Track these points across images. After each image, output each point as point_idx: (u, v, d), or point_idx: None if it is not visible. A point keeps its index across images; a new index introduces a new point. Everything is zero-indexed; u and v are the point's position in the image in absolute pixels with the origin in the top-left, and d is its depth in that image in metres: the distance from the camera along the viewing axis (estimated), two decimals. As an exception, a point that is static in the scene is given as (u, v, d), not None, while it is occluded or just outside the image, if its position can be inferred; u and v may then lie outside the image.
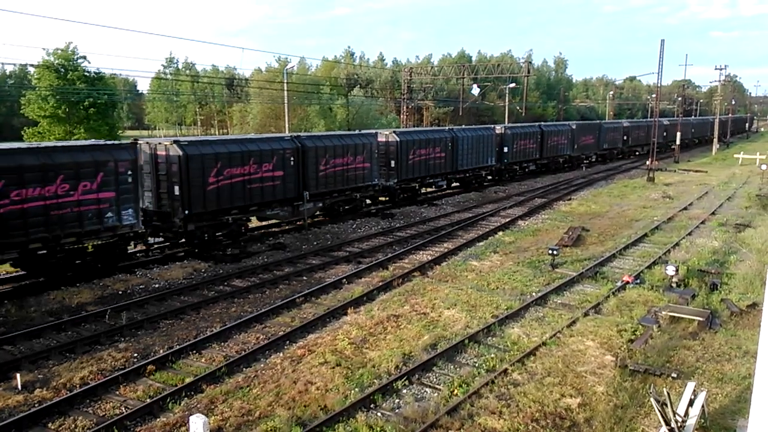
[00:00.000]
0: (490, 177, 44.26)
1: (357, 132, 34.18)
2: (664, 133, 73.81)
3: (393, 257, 22.35)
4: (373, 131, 34.15)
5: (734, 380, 12.48)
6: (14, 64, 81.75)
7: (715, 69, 74.64)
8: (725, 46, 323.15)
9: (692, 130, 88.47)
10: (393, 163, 33.12)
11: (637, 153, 71.59)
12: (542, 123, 57.10)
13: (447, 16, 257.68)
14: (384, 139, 33.12)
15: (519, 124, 51.54)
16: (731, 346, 14.19)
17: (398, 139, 33.25)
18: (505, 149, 44.53)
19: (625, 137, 67.76)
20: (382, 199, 34.37)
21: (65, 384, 12.34)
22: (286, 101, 49.53)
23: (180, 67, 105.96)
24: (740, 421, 10.45)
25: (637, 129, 71.55)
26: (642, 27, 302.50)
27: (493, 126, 45.74)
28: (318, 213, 29.30)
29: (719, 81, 77.90)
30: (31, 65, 52.33)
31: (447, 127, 43.76)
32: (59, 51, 50.73)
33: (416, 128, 49.91)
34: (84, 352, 13.96)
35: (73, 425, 10.84)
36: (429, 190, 38.63)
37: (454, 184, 41.26)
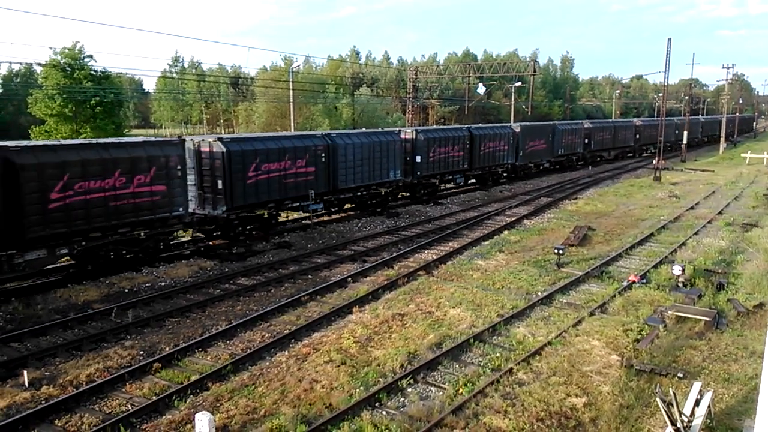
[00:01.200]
0: (505, 174, 45.41)
1: (383, 130, 36.28)
2: (676, 131, 73.71)
3: (398, 256, 22.35)
4: (397, 129, 36.78)
5: (741, 380, 12.43)
6: (20, 63, 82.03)
7: (723, 68, 74.57)
8: (733, 44, 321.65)
9: (700, 129, 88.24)
10: (418, 158, 34.33)
11: (650, 151, 71.82)
12: (556, 122, 57.90)
13: (451, 16, 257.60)
14: (407, 137, 34.28)
15: (532, 123, 52.29)
16: (738, 347, 14.13)
17: (420, 137, 34.50)
18: (523, 148, 45.41)
19: (637, 136, 68.27)
20: (404, 194, 35.68)
21: (72, 381, 12.41)
22: (291, 100, 49.57)
23: (186, 66, 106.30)
24: (746, 421, 10.41)
25: (649, 128, 71.41)
26: (649, 26, 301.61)
27: (509, 124, 46.79)
28: (348, 206, 31.79)
29: (726, 80, 77.67)
30: (39, 64, 52.57)
31: (465, 126, 44.70)
32: (66, 50, 50.96)
33: (436, 127, 50.29)
34: (90, 350, 14.02)
35: (79, 422, 10.90)
36: (442, 187, 39.32)
37: (471, 181, 42.43)
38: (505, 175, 45.17)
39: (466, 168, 39.11)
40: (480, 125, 46.94)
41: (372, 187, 31.15)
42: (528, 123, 50.93)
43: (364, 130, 43.87)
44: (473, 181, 42.37)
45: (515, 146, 44.37)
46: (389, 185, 32.56)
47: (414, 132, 34.63)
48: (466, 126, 43.10)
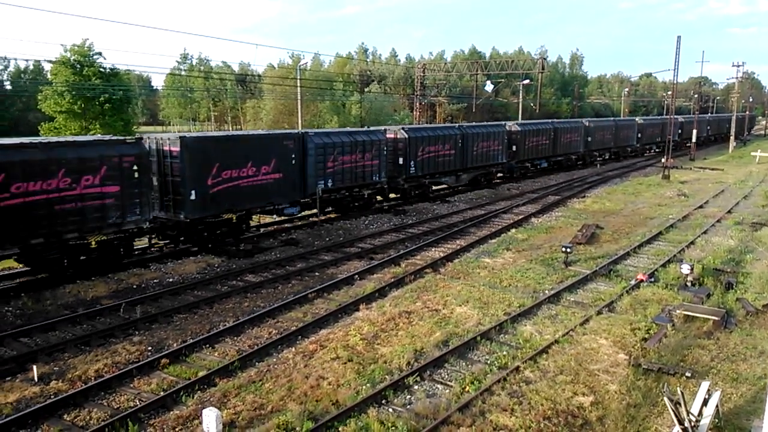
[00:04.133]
0: (546, 166, 47.72)
1: (448, 125, 41.23)
2: (680, 131, 73.19)
3: (405, 254, 22.35)
4: (456, 125, 40.35)
5: (749, 380, 12.36)
6: (28, 60, 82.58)
7: (732, 66, 74.04)
8: (743, 42, 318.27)
9: (708, 127, 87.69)
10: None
11: (653, 150, 71.36)
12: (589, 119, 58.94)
13: (458, 14, 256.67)
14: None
15: (532, 122, 52.18)
16: (746, 346, 14.05)
17: (464, 132, 37.66)
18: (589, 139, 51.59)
19: (639, 134, 67.48)
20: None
21: (80, 376, 12.49)
22: (299, 97, 49.65)
23: (194, 63, 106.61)
24: (755, 421, 10.35)
25: (651, 127, 70.98)
26: (658, 23, 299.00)
27: (551, 120, 48.70)
28: (414, 193, 35.00)
29: (736, 78, 77.00)
30: (49, 61, 52.81)
31: (503, 122, 46.60)
32: (76, 47, 51.20)
33: (476, 123, 50.67)
34: (99, 345, 14.10)
35: (87, 417, 10.97)
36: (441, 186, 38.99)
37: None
38: (545, 167, 48.20)
39: (504, 162, 42.03)
40: (524, 121, 49.43)
41: (435, 175, 35.18)
42: (527, 122, 51.29)
43: (432, 125, 46.06)
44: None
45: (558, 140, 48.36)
46: (450, 174, 36.58)
47: (460, 127, 37.61)
48: (504, 123, 45.40)
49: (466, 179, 39.30)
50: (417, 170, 33.99)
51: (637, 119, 70.81)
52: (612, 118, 77.40)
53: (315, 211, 27.68)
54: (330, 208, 29.70)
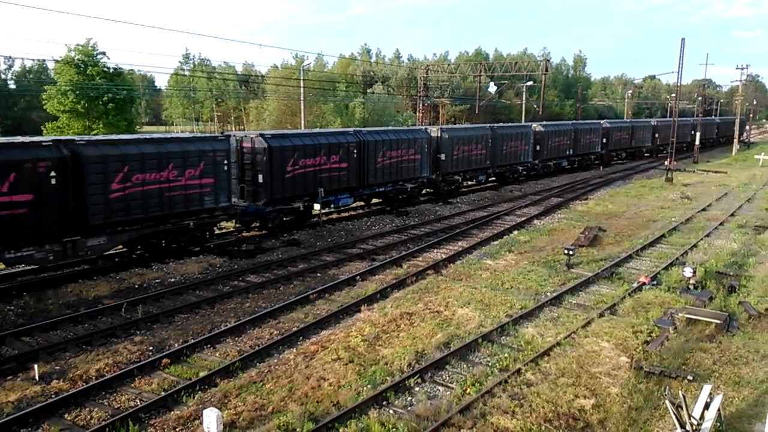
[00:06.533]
0: (568, 166, 49.11)
1: (478, 125, 43.40)
2: (692, 132, 72.89)
3: (407, 255, 22.34)
4: (486, 125, 42.46)
5: (752, 384, 12.32)
6: (33, 60, 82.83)
7: (737, 68, 73.66)
8: (747, 45, 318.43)
9: (716, 130, 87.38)
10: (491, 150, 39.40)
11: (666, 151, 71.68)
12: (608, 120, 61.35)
13: (464, 15, 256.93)
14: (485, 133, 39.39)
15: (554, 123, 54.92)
16: (749, 350, 14.00)
17: (494, 132, 39.43)
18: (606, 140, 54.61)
19: (655, 135, 68.80)
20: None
21: (81, 376, 12.50)
22: (302, 98, 49.67)
23: (196, 63, 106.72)
24: (757, 425, 10.33)
25: (665, 128, 70.80)
26: (662, 26, 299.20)
27: (570, 122, 50.54)
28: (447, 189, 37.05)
29: (740, 80, 76.79)
30: (55, 60, 52.92)
31: (531, 123, 49.14)
32: (80, 47, 51.34)
33: (507, 124, 52.78)
34: (100, 345, 14.12)
35: (88, 416, 10.98)
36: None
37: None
38: (567, 167, 50.32)
39: (529, 161, 44.03)
40: (545, 123, 51.00)
41: (468, 172, 37.85)
42: (550, 123, 53.51)
43: (465, 125, 48.25)
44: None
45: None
46: (482, 171, 39.37)
47: (493, 129, 39.46)
48: (531, 123, 47.86)
49: (495, 176, 42.40)
50: (452, 167, 36.44)
51: (652, 121, 71.60)
52: (629, 120, 79.33)
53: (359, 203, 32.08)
54: (378, 200, 33.28)
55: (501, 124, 46.34)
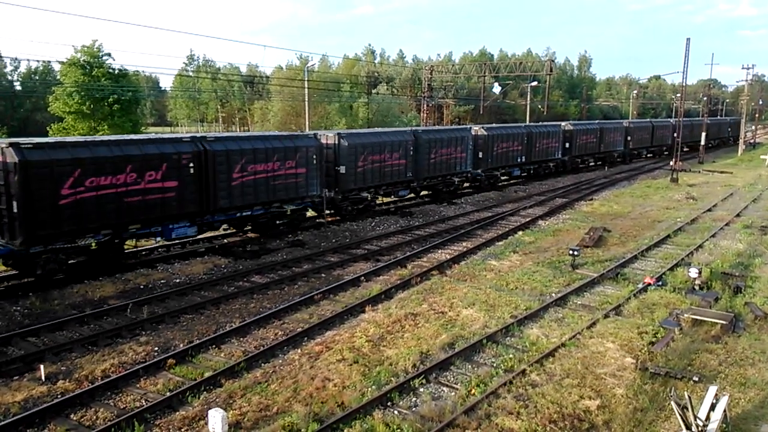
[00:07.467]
0: (518, 174, 49.64)
1: (516, 124, 47.91)
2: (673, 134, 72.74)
3: (411, 256, 22.34)
4: (523, 125, 46.24)
5: (758, 385, 12.26)
6: (39, 61, 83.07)
7: (742, 68, 73.26)
8: (753, 44, 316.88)
9: (729, 129, 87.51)
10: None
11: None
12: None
13: (469, 15, 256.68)
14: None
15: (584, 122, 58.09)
16: (755, 351, 13.95)
17: (530, 131, 42.37)
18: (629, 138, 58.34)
19: (675, 134, 68.64)
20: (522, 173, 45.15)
21: (87, 376, 12.54)
22: (306, 99, 49.72)
23: (200, 64, 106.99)
24: (764, 426, 10.29)
25: (685, 128, 70.83)
26: (667, 25, 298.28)
27: (598, 121, 52.91)
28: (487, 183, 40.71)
29: (746, 80, 76.46)
30: (60, 62, 53.13)
31: (560, 123, 52.51)
32: (86, 48, 51.50)
33: (539, 123, 54.85)
34: (106, 345, 14.17)
35: (94, 416, 11.01)
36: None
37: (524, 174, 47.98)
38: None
39: (524, 162, 45.00)
40: (539, 123, 53.58)
41: (501, 168, 41.61)
42: (581, 122, 57.67)
43: (500, 125, 49.48)
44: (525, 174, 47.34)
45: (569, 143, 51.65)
46: (517, 167, 43.50)
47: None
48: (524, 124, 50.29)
49: (529, 171, 46.07)
50: (493, 162, 39.83)
51: (624, 122, 69.49)
52: (649, 120, 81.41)
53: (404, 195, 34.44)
54: (426, 192, 36.27)
55: (536, 123, 49.96)
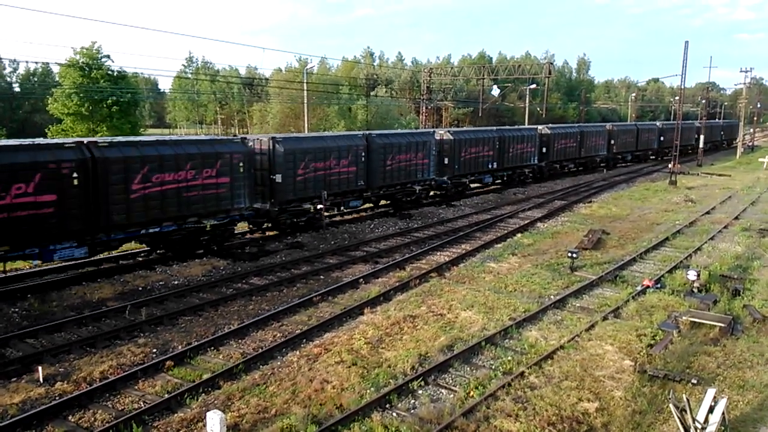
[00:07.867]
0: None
1: (530, 126, 50.73)
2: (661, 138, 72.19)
3: (410, 258, 22.33)
4: (535, 127, 48.32)
5: (756, 388, 12.27)
6: (37, 63, 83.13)
7: (740, 71, 73.23)
8: (751, 48, 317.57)
9: (722, 133, 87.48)
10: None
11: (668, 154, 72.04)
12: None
13: (468, 18, 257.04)
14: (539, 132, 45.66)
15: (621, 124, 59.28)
16: (753, 353, 13.95)
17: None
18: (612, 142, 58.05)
19: (661, 138, 69.61)
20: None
21: (85, 378, 12.52)
22: (305, 101, 49.75)
23: (199, 66, 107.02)
24: (762, 429, 10.29)
25: (624, 134, 70.19)
26: (666, 29, 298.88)
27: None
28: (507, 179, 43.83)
29: (744, 83, 76.49)
30: (59, 63, 53.13)
31: (576, 125, 56.00)
32: (84, 50, 51.51)
33: (555, 125, 55.18)
34: (104, 347, 14.15)
35: (92, 418, 11.00)
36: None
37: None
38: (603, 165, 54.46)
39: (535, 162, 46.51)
40: (556, 125, 55.05)
41: (517, 169, 43.94)
42: (619, 124, 59.73)
43: (515, 126, 51.60)
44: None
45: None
46: (527, 167, 45.41)
47: (545, 128, 44.92)
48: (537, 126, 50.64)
49: (502, 178, 45.81)
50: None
51: (607, 125, 67.98)
52: (634, 123, 79.29)
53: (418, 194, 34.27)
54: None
55: (552, 125, 50.72)
